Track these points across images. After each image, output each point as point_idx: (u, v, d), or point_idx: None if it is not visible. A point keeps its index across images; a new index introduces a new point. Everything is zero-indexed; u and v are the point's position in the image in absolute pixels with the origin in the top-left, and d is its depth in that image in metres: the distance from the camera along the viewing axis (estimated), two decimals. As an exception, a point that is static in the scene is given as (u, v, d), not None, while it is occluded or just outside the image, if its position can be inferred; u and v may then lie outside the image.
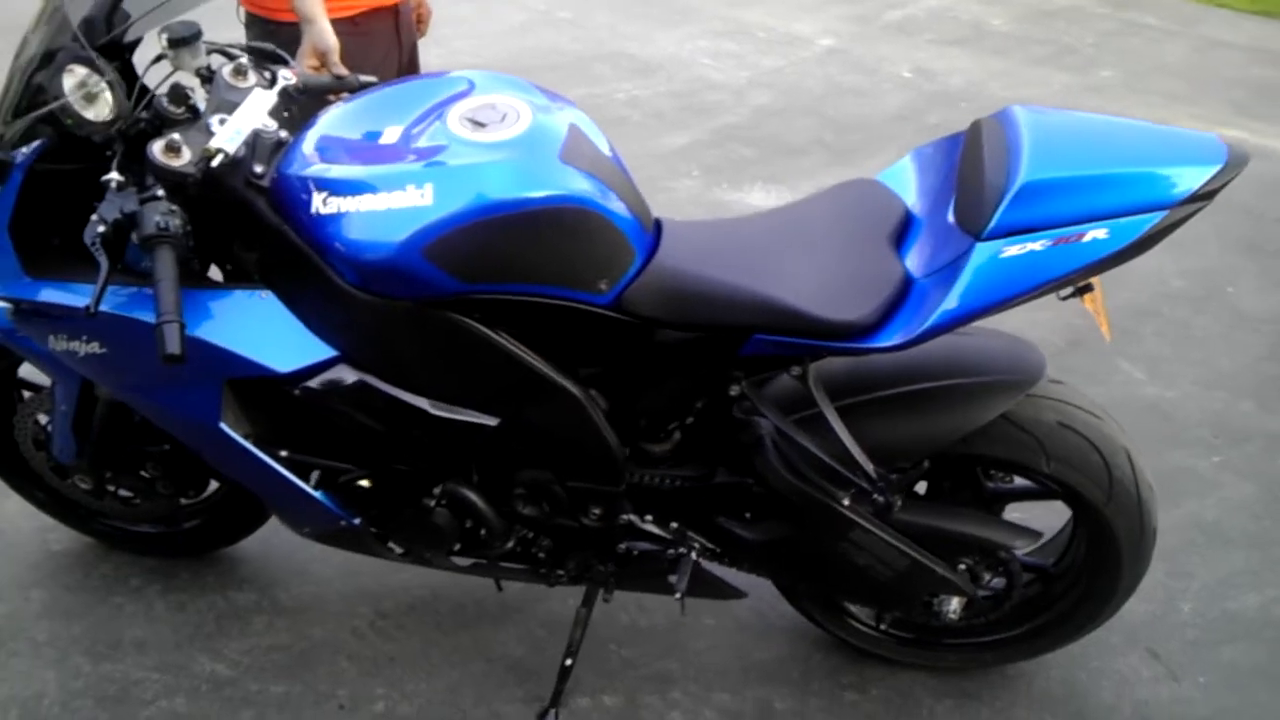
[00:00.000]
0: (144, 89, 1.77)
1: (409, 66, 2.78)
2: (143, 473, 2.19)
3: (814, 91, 5.37)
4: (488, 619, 2.32)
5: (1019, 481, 1.99)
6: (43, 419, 2.20)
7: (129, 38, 1.83)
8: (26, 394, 2.27)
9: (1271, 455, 2.94)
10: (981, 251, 1.56)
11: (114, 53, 1.79)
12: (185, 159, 1.58)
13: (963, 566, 1.98)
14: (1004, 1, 6.93)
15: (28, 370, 2.16)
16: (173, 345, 1.47)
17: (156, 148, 1.57)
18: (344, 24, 2.50)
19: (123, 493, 2.26)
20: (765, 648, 2.29)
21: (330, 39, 2.21)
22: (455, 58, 5.02)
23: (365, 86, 1.97)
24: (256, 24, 2.53)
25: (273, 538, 2.43)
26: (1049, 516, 2.12)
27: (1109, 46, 6.22)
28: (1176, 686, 2.24)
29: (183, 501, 2.28)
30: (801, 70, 5.65)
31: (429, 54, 2.87)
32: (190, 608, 2.33)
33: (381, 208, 1.60)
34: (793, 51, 5.92)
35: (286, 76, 1.82)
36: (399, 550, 2.04)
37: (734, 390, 1.80)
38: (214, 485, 2.30)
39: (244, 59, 1.80)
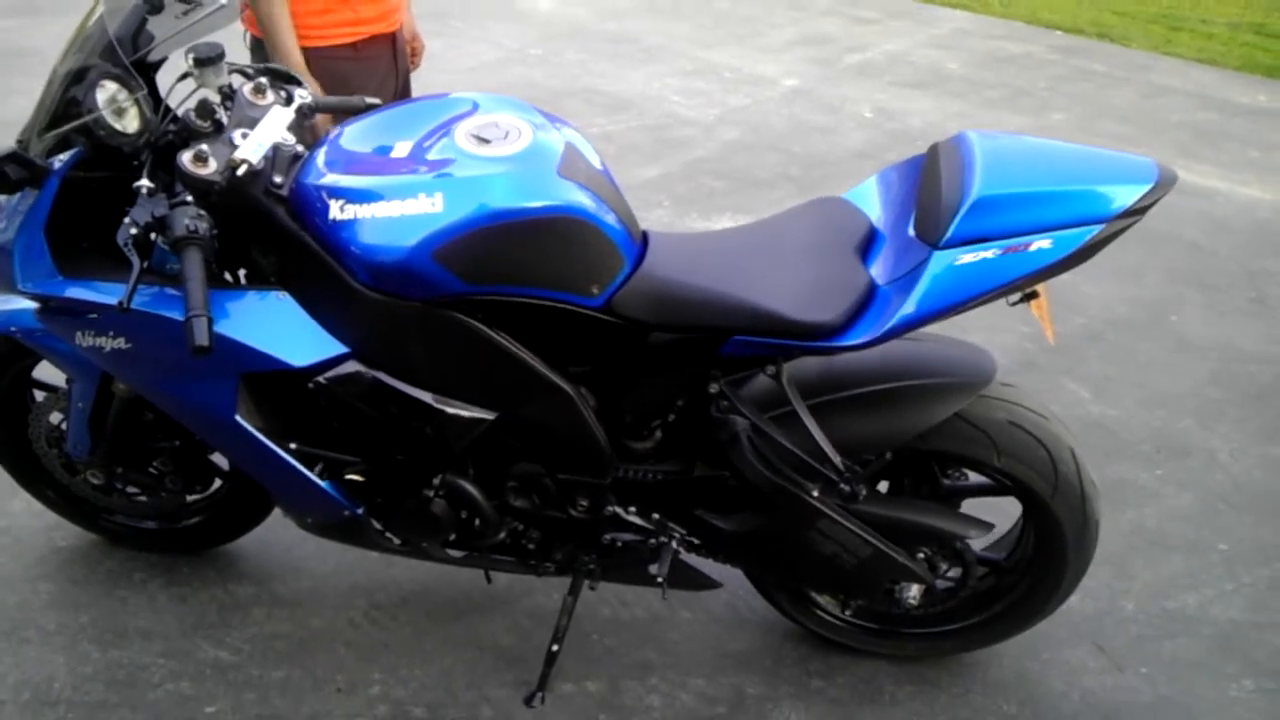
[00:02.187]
0: (166, 106, 1.93)
1: (403, 93, 2.95)
2: (151, 468, 2.32)
3: (779, 128, 5.58)
4: (476, 611, 2.45)
5: (973, 479, 2.16)
6: (56, 418, 2.33)
7: (153, 57, 1.99)
8: (39, 394, 2.39)
9: (1209, 469, 3.13)
10: (939, 259, 1.73)
11: (140, 71, 1.94)
12: (212, 168, 1.72)
13: (921, 555, 2.14)
14: (960, 48, 7.22)
15: (41, 372, 2.30)
16: (201, 338, 1.61)
17: (186, 157, 1.71)
18: (345, 49, 2.67)
19: (131, 489, 2.38)
20: (738, 639, 2.43)
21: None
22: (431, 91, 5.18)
23: (371, 108, 2.12)
24: (260, 48, 2.69)
25: (270, 535, 2.56)
26: (1004, 522, 2.28)
27: (1060, 90, 6.50)
28: (1120, 676, 2.40)
29: (188, 498, 2.39)
30: (767, 109, 5.87)
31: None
32: (193, 600, 2.44)
33: (395, 214, 1.75)
34: (758, 91, 6.14)
35: (302, 95, 1.98)
36: (397, 541, 2.17)
37: (713, 388, 1.95)
38: (218, 483, 2.42)
39: (262, 79, 1.95)
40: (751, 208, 4.61)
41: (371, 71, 2.73)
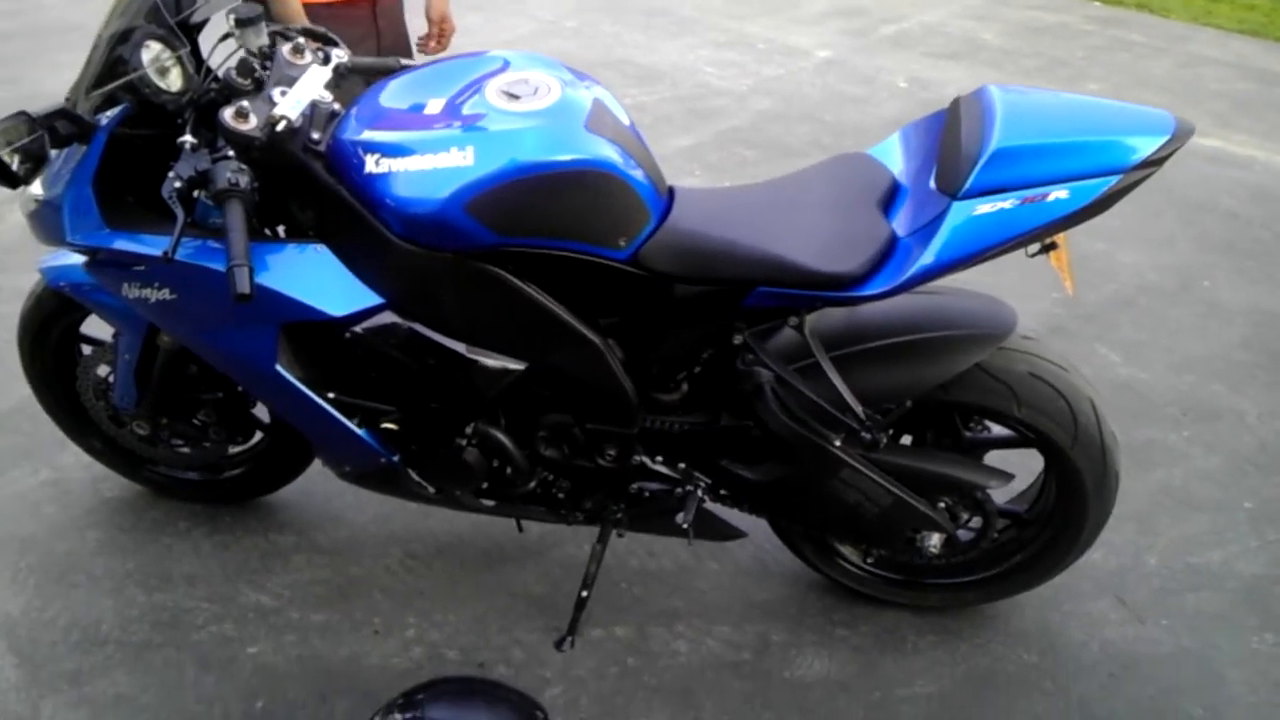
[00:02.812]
0: (208, 66, 1.99)
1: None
2: (195, 420, 2.40)
3: (813, 98, 5.60)
4: (509, 560, 2.52)
5: (994, 431, 2.20)
6: (103, 371, 2.41)
7: (196, 19, 2.05)
8: (86, 350, 2.48)
9: (1238, 432, 3.14)
10: (957, 209, 1.77)
11: (184, 32, 2.01)
12: (252, 124, 1.78)
13: (942, 505, 2.18)
14: (995, 18, 7.18)
15: (88, 327, 2.38)
16: (243, 285, 1.67)
17: (228, 113, 1.77)
18: (321, 8, 2.75)
19: (175, 441, 2.46)
20: (764, 589, 2.49)
21: None
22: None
23: (404, 68, 2.17)
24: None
25: (310, 486, 2.64)
26: (1026, 478, 2.32)
27: (1097, 60, 6.47)
28: (1141, 628, 2.43)
29: (231, 449, 2.47)
30: (800, 79, 5.89)
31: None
32: (235, 547, 2.53)
33: (428, 167, 1.80)
34: (792, 62, 6.15)
35: (339, 55, 2.04)
36: (431, 489, 2.23)
37: (737, 340, 2.00)
38: (258, 435, 2.50)
39: (301, 39, 2.01)
40: (783, 176, 4.63)
41: (346, 35, 2.78)
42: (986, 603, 2.42)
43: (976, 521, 2.26)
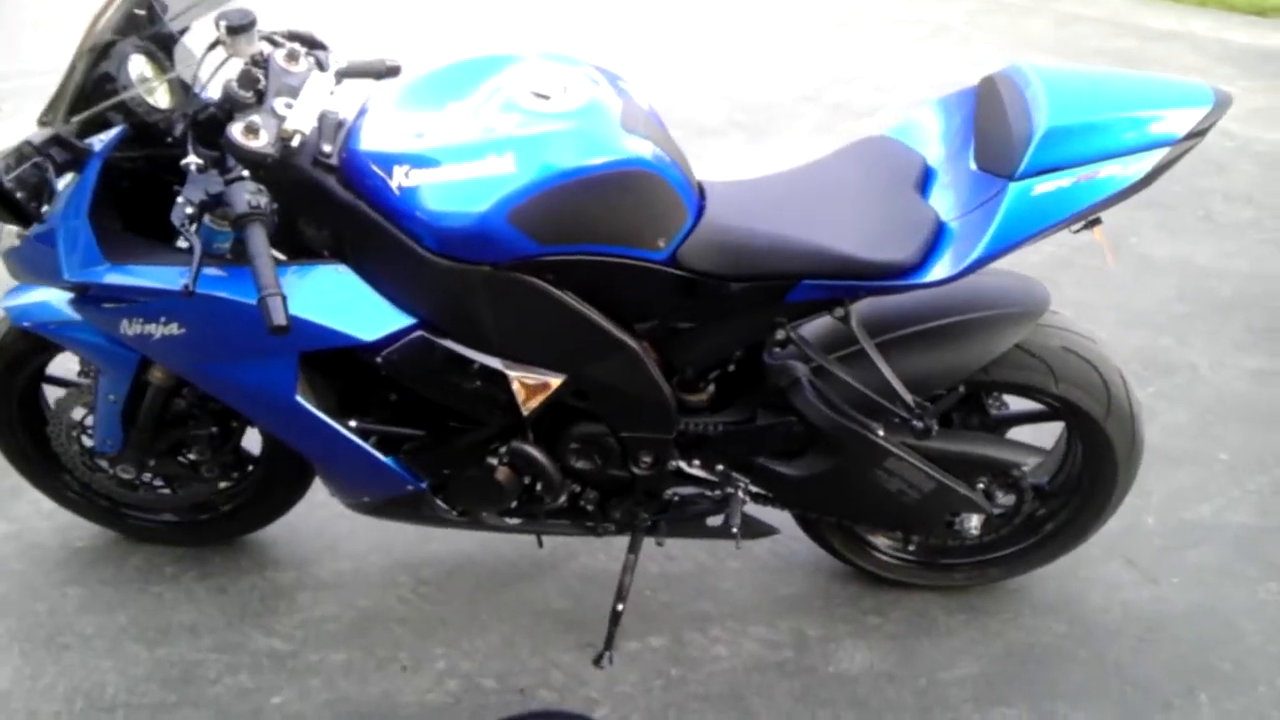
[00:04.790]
0: (195, 77, 1.85)
1: None
2: (181, 458, 2.24)
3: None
4: (524, 577, 2.43)
5: (1015, 406, 2.20)
6: (79, 413, 2.23)
7: (177, 26, 1.90)
8: (51, 390, 2.29)
9: (1194, 384, 3.23)
10: (1015, 190, 1.75)
11: (159, 43, 1.85)
12: (263, 140, 1.64)
13: (980, 485, 2.17)
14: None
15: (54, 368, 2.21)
16: (278, 316, 1.54)
17: (236, 130, 1.63)
18: None
19: (157, 482, 2.29)
20: (788, 583, 2.45)
21: None
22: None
23: (393, 71, 2.04)
24: None
25: (296, 520, 2.48)
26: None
27: (977, 24, 6.59)
28: (1155, 588, 2.47)
29: (222, 485, 2.31)
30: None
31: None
32: (231, 590, 2.37)
33: (466, 177, 1.70)
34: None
35: (331, 60, 1.91)
36: (455, 513, 2.12)
37: (779, 334, 1.94)
38: (250, 468, 2.35)
39: (295, 45, 1.87)
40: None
41: None
42: (1010, 577, 2.43)
43: (1009, 499, 2.25)
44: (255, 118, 1.65)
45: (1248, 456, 2.91)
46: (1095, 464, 2.19)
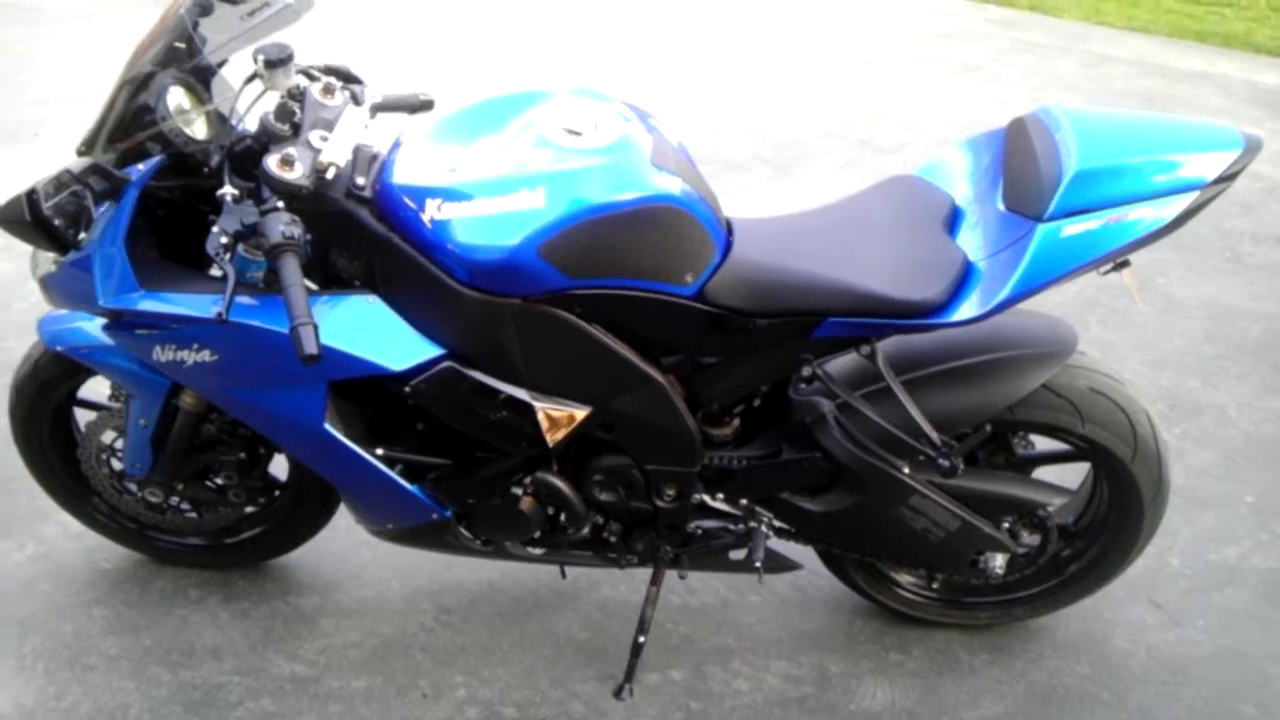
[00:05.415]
0: (233, 109, 1.88)
1: None
2: (208, 482, 2.26)
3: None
4: (546, 607, 2.43)
5: (1041, 446, 2.19)
6: (109, 436, 2.25)
7: (214, 59, 1.93)
8: (83, 414, 2.32)
9: (1222, 425, 3.21)
10: (1043, 232, 1.75)
11: (198, 75, 1.88)
12: (299, 172, 1.67)
13: (1005, 525, 2.16)
14: (900, 26, 7.27)
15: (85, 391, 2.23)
16: (310, 346, 1.56)
17: (272, 162, 1.67)
18: None
19: (184, 506, 2.31)
20: (810, 619, 2.45)
21: None
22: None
23: (426, 105, 2.07)
24: None
25: (320, 546, 2.50)
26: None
27: (1006, 63, 6.58)
28: (1180, 631, 2.46)
29: (249, 509, 2.33)
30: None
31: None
32: (254, 614, 2.39)
33: (498, 211, 1.72)
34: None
35: (371, 95, 1.94)
36: (479, 542, 2.13)
37: (805, 371, 1.95)
38: (276, 493, 2.36)
39: (331, 79, 1.90)
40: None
41: None
42: (1034, 617, 2.41)
43: (1034, 539, 2.24)
44: (291, 150, 1.68)
45: (1275, 499, 2.89)
46: (1121, 505, 2.18)
